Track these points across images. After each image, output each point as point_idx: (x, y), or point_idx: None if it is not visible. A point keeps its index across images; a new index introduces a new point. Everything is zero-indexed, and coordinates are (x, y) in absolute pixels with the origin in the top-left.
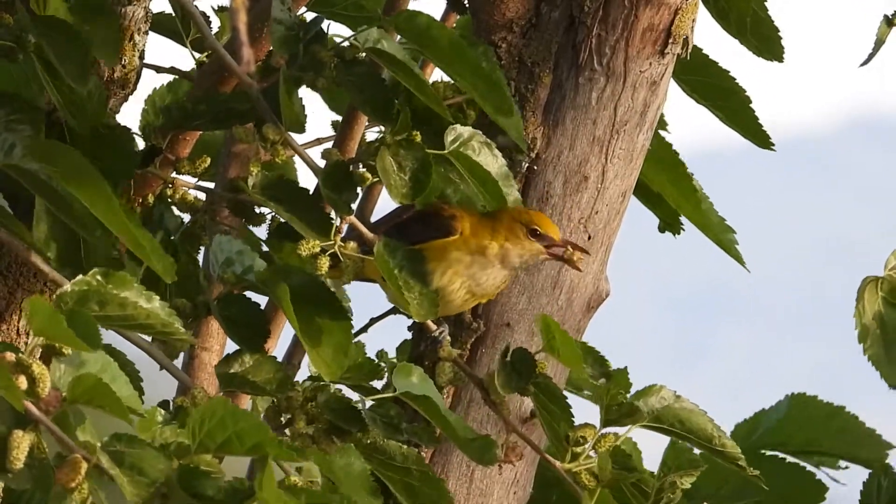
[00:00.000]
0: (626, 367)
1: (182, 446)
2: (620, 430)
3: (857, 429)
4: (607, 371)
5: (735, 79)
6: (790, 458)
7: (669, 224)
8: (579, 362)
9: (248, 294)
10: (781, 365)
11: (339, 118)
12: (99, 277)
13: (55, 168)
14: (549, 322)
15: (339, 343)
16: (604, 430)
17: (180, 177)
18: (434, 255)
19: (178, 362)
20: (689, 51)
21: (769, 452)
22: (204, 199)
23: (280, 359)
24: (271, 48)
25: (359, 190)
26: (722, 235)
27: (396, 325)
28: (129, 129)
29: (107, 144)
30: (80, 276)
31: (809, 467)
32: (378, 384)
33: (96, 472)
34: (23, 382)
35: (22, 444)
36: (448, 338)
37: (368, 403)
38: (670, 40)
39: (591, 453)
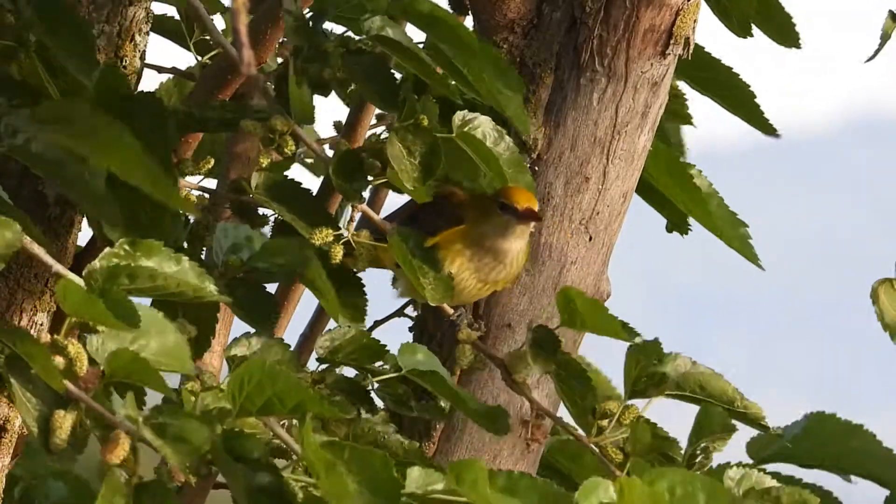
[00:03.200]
0: (657, 339)
1: (224, 411)
2: (640, 405)
3: (874, 448)
4: (637, 341)
5: (738, 74)
6: (806, 475)
7: (677, 225)
8: (615, 325)
9: None
10: (782, 366)
11: (342, 119)
12: (127, 247)
13: (63, 126)
14: (571, 293)
15: (355, 303)
16: (628, 402)
17: (182, 178)
18: (442, 245)
19: None
20: (691, 51)
21: (784, 473)
22: (207, 199)
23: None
24: (277, 46)
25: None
26: (733, 233)
27: (398, 329)
28: (154, 94)
29: (135, 111)
30: (107, 249)
31: (825, 486)
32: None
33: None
34: (60, 362)
35: (64, 423)
36: (465, 320)
37: (376, 385)
38: (672, 41)
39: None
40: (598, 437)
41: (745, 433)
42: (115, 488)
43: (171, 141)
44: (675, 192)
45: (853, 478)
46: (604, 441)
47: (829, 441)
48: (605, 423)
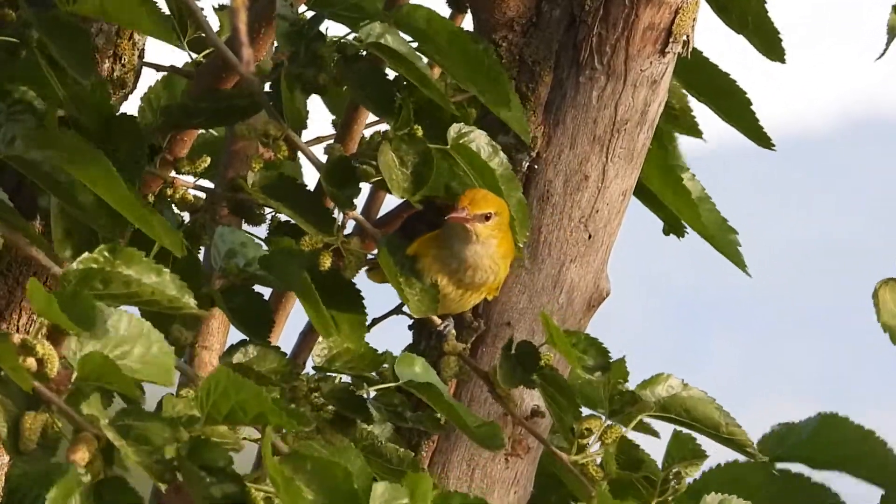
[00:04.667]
0: (623, 357)
1: (192, 418)
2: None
3: (883, 455)
4: (607, 362)
5: (735, 81)
6: (814, 479)
7: (673, 227)
8: (571, 354)
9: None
10: (781, 365)
11: (339, 118)
12: (106, 254)
13: (57, 153)
14: (545, 317)
15: (354, 319)
16: (610, 423)
17: (180, 176)
18: (420, 252)
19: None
20: (690, 50)
21: (794, 471)
22: (204, 198)
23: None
24: (274, 46)
25: (365, 190)
26: (723, 238)
27: (398, 327)
28: (135, 118)
29: (115, 135)
30: (86, 254)
31: (833, 488)
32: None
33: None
34: (32, 364)
35: (34, 425)
36: (453, 332)
37: (372, 393)
38: (671, 39)
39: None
40: (578, 454)
41: (745, 410)
42: (70, 486)
43: (144, 159)
44: (665, 195)
45: (859, 482)
46: (585, 459)
47: (840, 444)
48: (586, 441)
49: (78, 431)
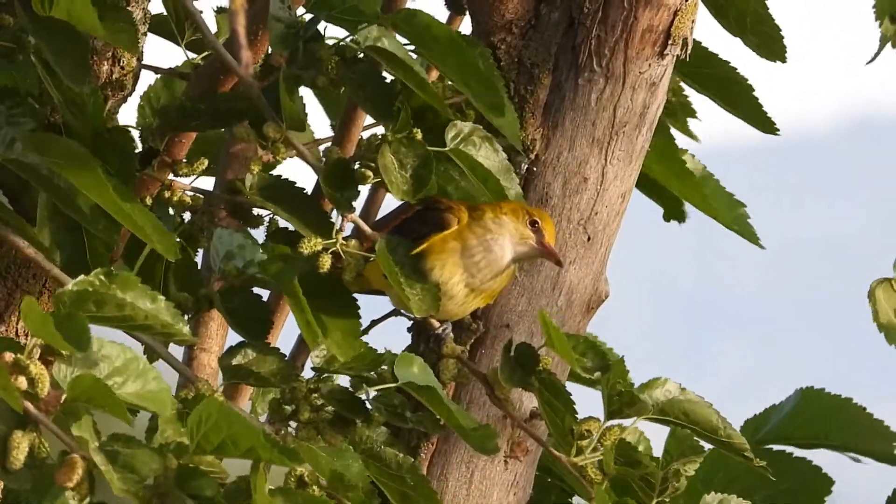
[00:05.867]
0: (622, 357)
1: (181, 446)
2: (628, 423)
3: (864, 420)
4: (606, 364)
5: (736, 69)
6: (797, 453)
7: (674, 213)
8: (570, 355)
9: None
10: (783, 366)
11: (337, 121)
12: (102, 277)
13: (52, 158)
14: (544, 317)
15: (347, 327)
16: (609, 423)
17: (178, 178)
18: (432, 250)
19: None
20: (689, 52)
21: (776, 448)
22: (202, 200)
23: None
24: (270, 48)
25: (364, 192)
26: (731, 214)
27: (397, 328)
28: (128, 130)
29: (107, 147)
30: (82, 276)
31: (816, 461)
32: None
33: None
34: (22, 383)
35: (21, 444)
36: (451, 334)
37: (372, 393)
38: (669, 41)
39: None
40: (577, 457)
41: (744, 412)
42: None
43: (133, 171)
44: (669, 180)
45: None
46: (584, 461)
47: (819, 416)
48: (584, 443)
49: (66, 453)
